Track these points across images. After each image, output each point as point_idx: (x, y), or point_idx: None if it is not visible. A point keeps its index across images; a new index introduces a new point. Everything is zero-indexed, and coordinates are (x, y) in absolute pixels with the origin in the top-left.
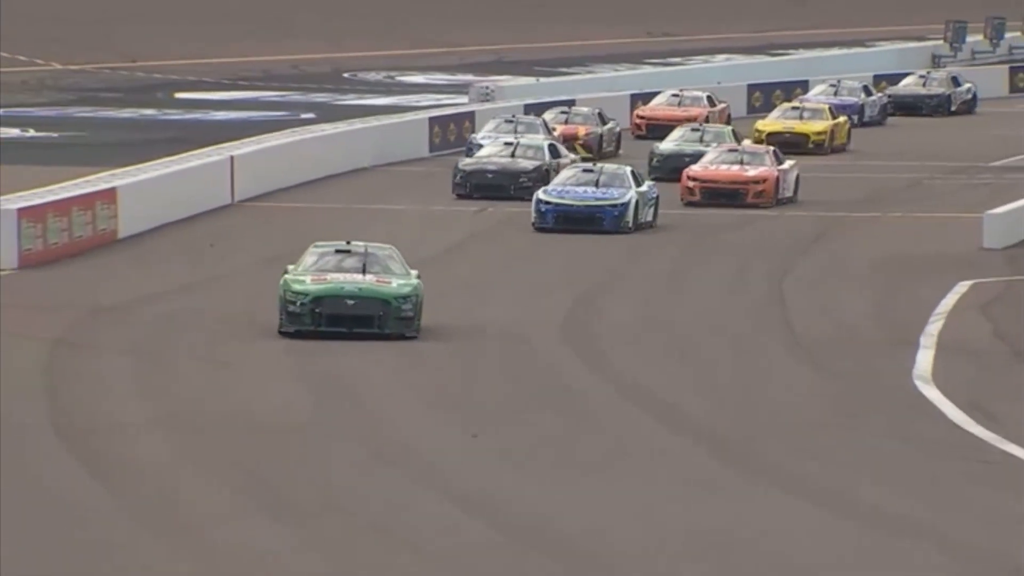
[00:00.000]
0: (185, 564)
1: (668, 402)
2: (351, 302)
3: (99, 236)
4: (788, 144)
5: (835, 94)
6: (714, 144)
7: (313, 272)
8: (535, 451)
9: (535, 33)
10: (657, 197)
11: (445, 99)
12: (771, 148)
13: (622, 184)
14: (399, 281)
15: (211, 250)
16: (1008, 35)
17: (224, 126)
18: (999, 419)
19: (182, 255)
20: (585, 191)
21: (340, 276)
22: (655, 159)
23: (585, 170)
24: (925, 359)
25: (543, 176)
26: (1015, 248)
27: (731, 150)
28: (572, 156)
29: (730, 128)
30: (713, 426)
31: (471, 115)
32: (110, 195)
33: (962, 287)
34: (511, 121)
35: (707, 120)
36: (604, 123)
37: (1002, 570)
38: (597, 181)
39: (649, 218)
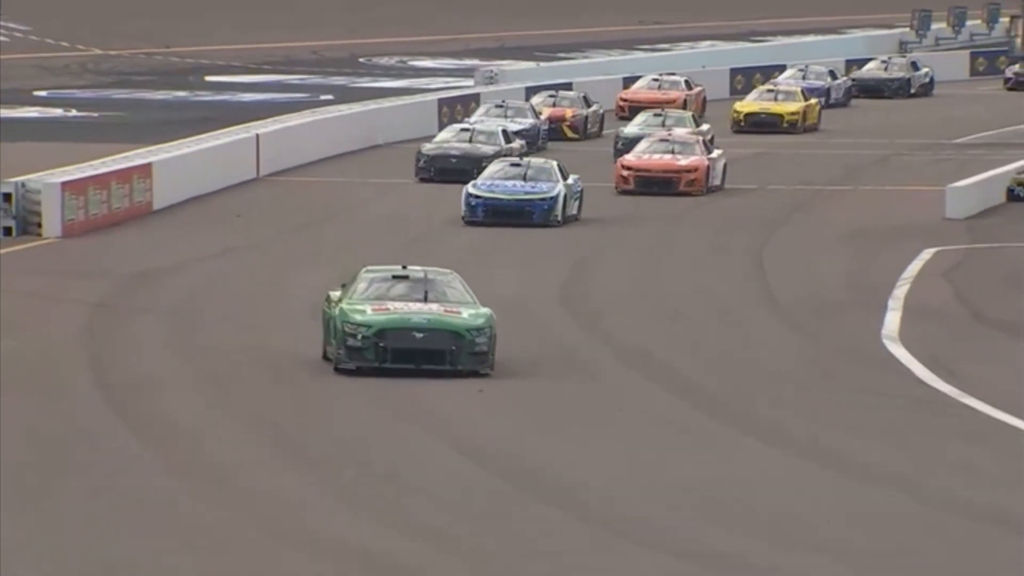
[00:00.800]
0: (213, 509)
1: (660, 361)
2: (420, 335)
3: (136, 208)
4: (764, 124)
5: (803, 78)
6: (676, 128)
7: (371, 301)
8: (539, 407)
9: (535, 21)
10: (582, 190)
11: (453, 82)
12: (701, 138)
13: (549, 178)
14: (469, 311)
15: (238, 220)
16: (969, 23)
17: (250, 107)
18: (960, 376)
19: (212, 225)
20: (514, 185)
21: (403, 305)
22: (620, 142)
23: (513, 164)
24: (893, 321)
25: (538, 135)
26: (975, 218)
27: (663, 140)
28: (519, 143)
29: (691, 113)
30: (701, 383)
31: (476, 96)
32: (146, 170)
33: (927, 254)
34: (501, 106)
35: (685, 103)
36: (588, 106)
37: (968, 515)
38: (525, 175)
39: (574, 211)
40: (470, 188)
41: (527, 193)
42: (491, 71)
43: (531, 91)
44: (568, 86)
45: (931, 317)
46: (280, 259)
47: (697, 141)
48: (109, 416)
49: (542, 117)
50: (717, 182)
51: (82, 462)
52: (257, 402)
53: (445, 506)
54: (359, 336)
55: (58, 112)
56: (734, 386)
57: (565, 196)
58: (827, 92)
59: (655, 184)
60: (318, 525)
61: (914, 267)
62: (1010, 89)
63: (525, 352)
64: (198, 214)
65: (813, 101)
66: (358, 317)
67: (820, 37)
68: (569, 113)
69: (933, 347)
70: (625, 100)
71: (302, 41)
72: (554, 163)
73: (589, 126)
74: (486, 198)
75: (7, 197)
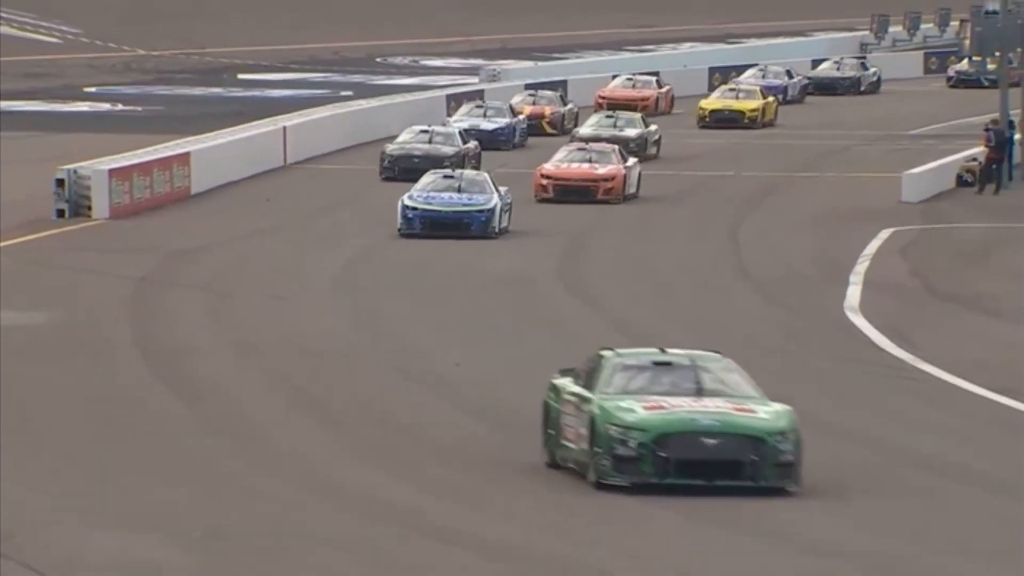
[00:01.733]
0: (244, 462)
1: (647, 328)
2: (711, 441)
3: (175, 192)
4: (727, 120)
5: (763, 77)
6: (627, 128)
7: (633, 395)
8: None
9: (534, 25)
10: (511, 203)
11: (459, 79)
12: (616, 147)
13: (483, 190)
14: (765, 409)
15: (267, 204)
16: (923, 26)
17: (277, 102)
18: (915, 343)
19: (243, 208)
20: (451, 197)
21: (679, 402)
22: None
23: (445, 176)
24: (854, 293)
25: (461, 161)
26: (928, 202)
27: (580, 148)
28: (473, 143)
29: (639, 115)
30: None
31: (481, 92)
32: (184, 158)
33: (884, 234)
34: (480, 106)
35: (657, 101)
36: (565, 104)
37: (916, 464)
38: (459, 187)
39: (504, 223)
40: (406, 200)
41: (465, 205)
42: (494, 69)
43: (529, 87)
44: (563, 83)
45: (888, 290)
46: (303, 239)
47: (614, 150)
48: (150, 378)
49: (521, 116)
50: (632, 190)
51: (124, 419)
52: (283, 366)
53: (446, 451)
54: (632, 443)
55: (106, 107)
56: (713, 344)
57: (500, 208)
58: (784, 90)
59: (573, 192)
60: (341, 477)
61: (873, 245)
62: (952, 87)
63: (524, 326)
64: (231, 198)
65: (771, 99)
66: (627, 417)
67: (788, 39)
68: (548, 111)
69: (890, 317)
70: (603, 97)
71: (324, 43)
72: (487, 175)
73: (565, 122)
74: (423, 209)
75: (60, 183)
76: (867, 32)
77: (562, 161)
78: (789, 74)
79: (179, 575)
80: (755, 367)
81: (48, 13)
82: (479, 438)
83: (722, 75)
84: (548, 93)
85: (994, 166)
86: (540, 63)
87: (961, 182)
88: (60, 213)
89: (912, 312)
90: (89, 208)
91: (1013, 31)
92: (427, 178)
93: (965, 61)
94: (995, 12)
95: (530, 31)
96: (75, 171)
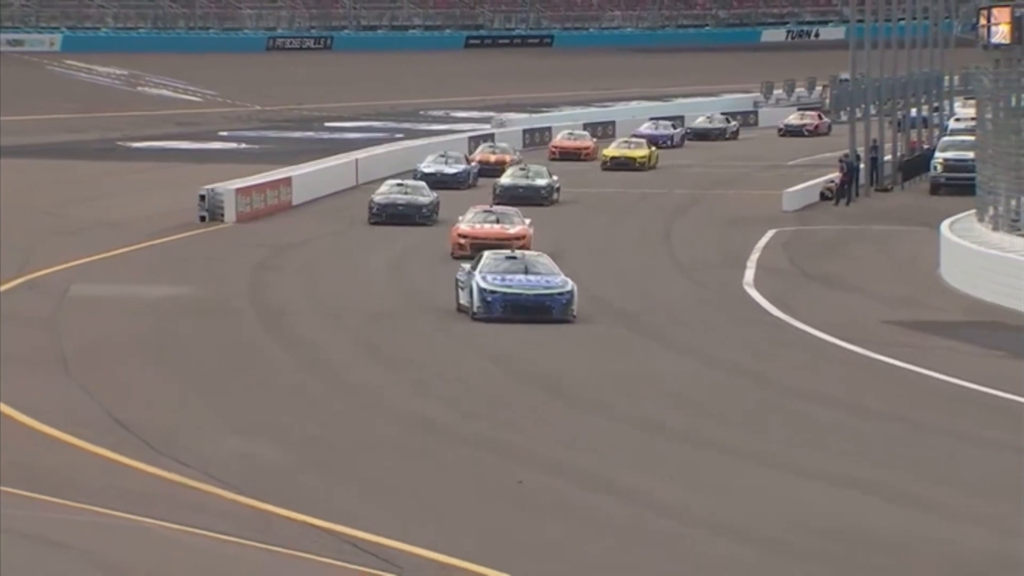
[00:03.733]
0: (327, 391)
1: (604, 299)
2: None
3: (281, 204)
4: (623, 164)
5: (656, 128)
6: (537, 179)
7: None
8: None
9: (529, 88)
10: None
11: (477, 126)
12: (517, 210)
13: (552, 271)
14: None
15: (343, 213)
16: (797, 90)
17: (352, 142)
18: (792, 308)
19: (327, 215)
20: (528, 279)
21: (516, 277)
22: (497, 189)
23: (508, 257)
24: (750, 274)
25: (435, 208)
26: (800, 211)
27: (486, 211)
28: (435, 194)
29: (546, 168)
30: (627, 309)
31: (492, 135)
32: (287, 181)
33: (770, 233)
34: (443, 156)
35: (593, 148)
36: (515, 152)
37: (799, 397)
38: (525, 268)
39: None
40: (480, 282)
41: (546, 288)
42: (501, 119)
43: (526, 132)
44: (548, 128)
45: (773, 272)
46: (367, 238)
47: (516, 212)
48: (261, 332)
49: (474, 162)
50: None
51: (244, 361)
52: (354, 325)
53: (473, 391)
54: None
55: (233, 145)
56: (650, 311)
57: (576, 291)
58: (671, 138)
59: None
60: (394, 402)
61: (763, 241)
62: (782, 135)
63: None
64: (320, 209)
65: (654, 149)
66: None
67: (704, 98)
68: (508, 158)
69: (774, 290)
70: (556, 147)
71: (385, 100)
72: (546, 257)
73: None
74: (503, 293)
75: (202, 198)
76: (758, 93)
77: (474, 222)
78: (674, 126)
79: (283, 468)
80: (679, 324)
81: (194, 80)
82: (491, 375)
83: (657, 122)
84: (503, 144)
85: (846, 186)
86: (533, 114)
87: (823, 197)
88: (202, 219)
89: (789, 287)
90: (222, 215)
91: (859, 94)
92: (489, 259)
93: (792, 116)
94: (847, 80)
95: (526, 92)
96: (212, 190)
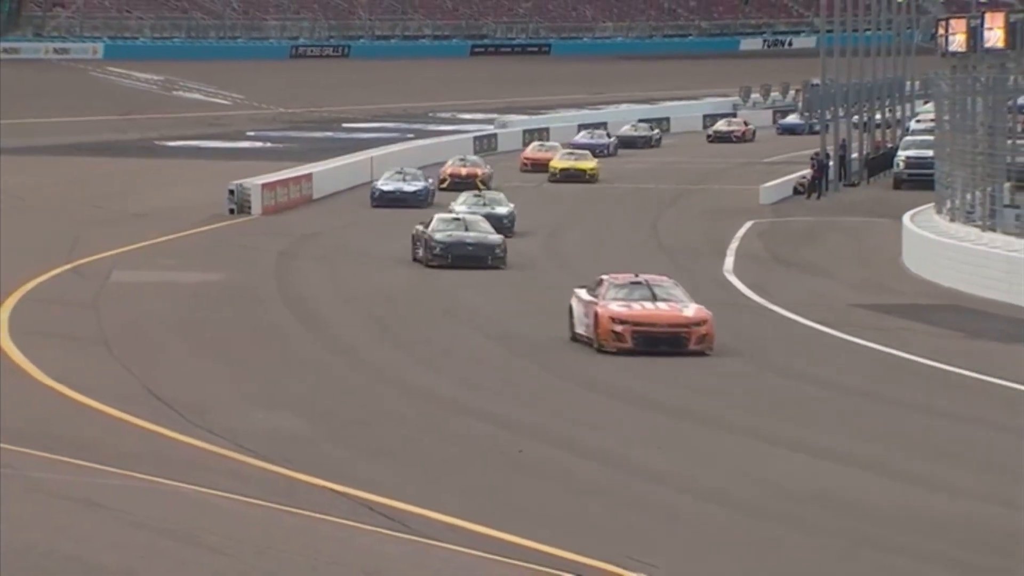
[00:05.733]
0: (345, 367)
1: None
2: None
3: (303, 198)
4: (572, 176)
5: (591, 138)
6: (495, 207)
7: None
8: (535, 300)
9: (529, 92)
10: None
11: (481, 127)
12: (674, 281)
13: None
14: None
15: (359, 206)
16: (772, 94)
17: (367, 141)
18: (768, 292)
19: (345, 208)
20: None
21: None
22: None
23: (633, 283)
24: (729, 261)
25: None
26: (775, 204)
27: (632, 282)
28: (431, 180)
29: (503, 194)
30: None
31: (495, 136)
32: (308, 177)
33: (748, 224)
34: (400, 172)
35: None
36: (486, 166)
37: (773, 372)
38: (653, 295)
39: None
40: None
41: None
42: (504, 120)
43: (526, 133)
44: (546, 129)
45: (751, 259)
46: (381, 228)
47: (676, 284)
48: (286, 315)
49: (444, 174)
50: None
51: (270, 340)
52: (369, 307)
53: (475, 366)
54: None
55: (259, 144)
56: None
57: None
58: (608, 146)
59: (662, 342)
60: (404, 377)
61: (741, 231)
62: (711, 141)
63: (533, 274)
64: (338, 202)
65: (597, 161)
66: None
67: (687, 102)
68: (479, 172)
69: (752, 276)
70: (527, 159)
71: (397, 103)
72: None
73: (490, 181)
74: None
75: (231, 192)
76: (737, 97)
77: (622, 298)
78: (608, 135)
79: (305, 438)
80: None
81: (224, 85)
82: (497, 354)
83: (647, 125)
84: (473, 157)
85: (817, 181)
86: (532, 116)
87: (796, 191)
88: (231, 211)
89: (766, 273)
90: (249, 208)
91: (829, 97)
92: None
93: (720, 123)
94: (818, 84)
95: (526, 96)
96: (240, 184)
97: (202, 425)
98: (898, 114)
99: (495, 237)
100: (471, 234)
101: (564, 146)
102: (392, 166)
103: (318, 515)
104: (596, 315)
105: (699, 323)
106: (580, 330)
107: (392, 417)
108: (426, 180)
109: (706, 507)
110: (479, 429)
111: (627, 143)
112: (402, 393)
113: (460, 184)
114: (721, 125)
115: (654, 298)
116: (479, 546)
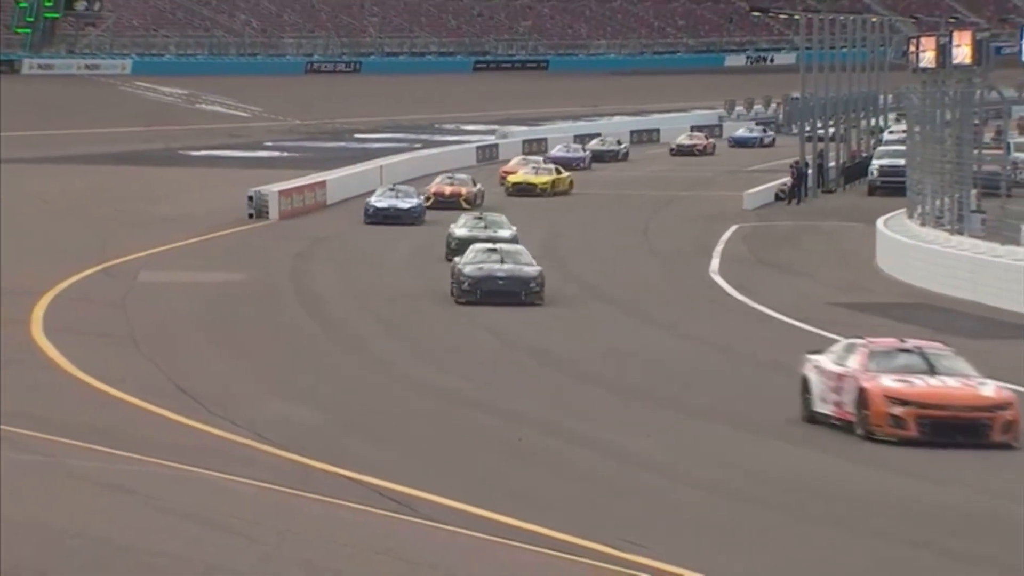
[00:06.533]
0: (355, 362)
1: (590, 283)
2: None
3: (318, 204)
4: (525, 190)
5: (567, 151)
6: (498, 230)
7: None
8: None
9: (527, 105)
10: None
11: (484, 138)
12: (954, 350)
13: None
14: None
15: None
16: (756, 106)
17: (377, 151)
18: (751, 291)
19: (356, 213)
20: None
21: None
22: (453, 242)
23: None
24: (715, 262)
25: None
26: (758, 209)
27: (901, 348)
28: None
29: (504, 216)
30: (612, 292)
31: (496, 146)
32: (323, 184)
33: (733, 228)
34: (393, 189)
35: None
36: (475, 185)
37: (755, 365)
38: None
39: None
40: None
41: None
42: (504, 131)
43: (525, 143)
44: (544, 140)
45: (736, 261)
46: (391, 232)
47: (950, 351)
48: (301, 314)
49: (429, 193)
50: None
51: (286, 336)
52: (377, 306)
53: (477, 362)
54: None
55: (276, 153)
56: (629, 292)
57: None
58: (583, 159)
59: (959, 432)
60: (407, 370)
61: (727, 235)
62: (673, 155)
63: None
64: (349, 207)
65: (566, 175)
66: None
67: (675, 114)
68: (464, 190)
69: (737, 276)
70: (505, 172)
71: (404, 116)
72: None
73: (476, 200)
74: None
75: (250, 198)
76: (723, 110)
77: (901, 376)
78: (582, 148)
79: (318, 428)
80: (655, 305)
81: (243, 99)
82: (494, 349)
83: (638, 135)
84: (461, 176)
85: (796, 188)
86: (531, 127)
87: (777, 198)
88: (250, 216)
89: (749, 273)
90: (267, 213)
91: (808, 110)
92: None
93: (682, 136)
94: (798, 98)
95: (525, 109)
96: (259, 191)
97: (223, 416)
98: (872, 125)
99: (531, 269)
100: (504, 267)
101: (546, 160)
102: (401, 174)
103: (332, 500)
104: (864, 392)
105: (1003, 406)
106: (826, 409)
107: (399, 409)
108: (419, 196)
109: (692, 493)
110: (481, 420)
111: (596, 157)
112: (408, 386)
113: (444, 203)
114: (683, 139)
115: (932, 371)
116: (481, 528)
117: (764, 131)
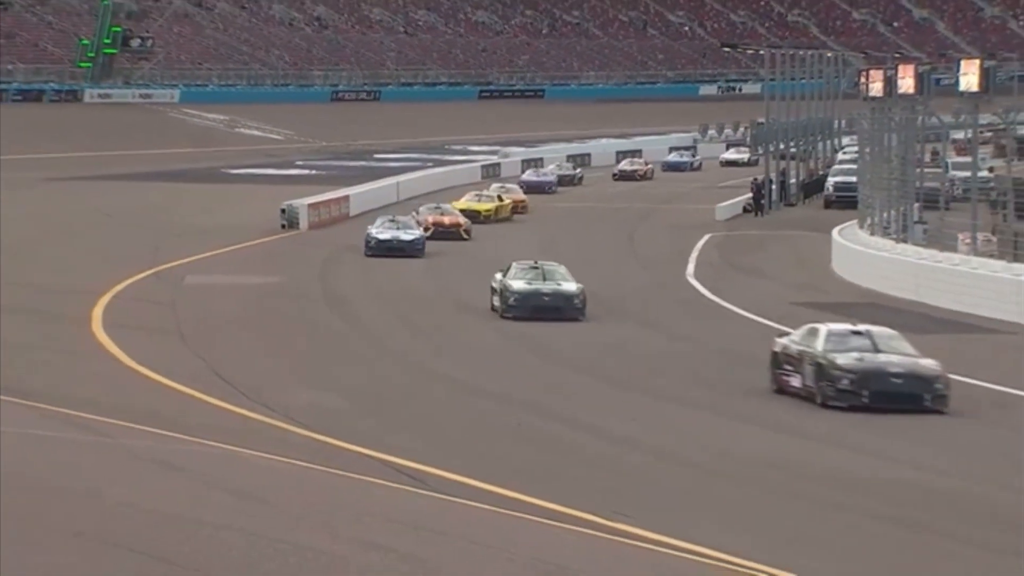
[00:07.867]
0: (375, 356)
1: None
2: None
3: (342, 216)
4: (469, 216)
5: (537, 175)
6: (562, 282)
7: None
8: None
9: (526, 128)
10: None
11: (487, 157)
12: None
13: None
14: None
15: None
16: (726, 130)
17: (394, 169)
18: (722, 292)
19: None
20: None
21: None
22: (511, 297)
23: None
24: (691, 267)
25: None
26: (729, 220)
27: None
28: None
29: (563, 267)
30: (601, 293)
31: (498, 165)
32: (347, 198)
33: (706, 236)
34: (393, 220)
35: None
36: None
37: (728, 357)
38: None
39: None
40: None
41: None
42: (506, 151)
43: (525, 163)
44: (540, 159)
45: (709, 265)
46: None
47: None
48: (328, 311)
49: (429, 221)
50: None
51: (314, 334)
52: (398, 306)
53: (483, 355)
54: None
55: (306, 171)
56: (617, 294)
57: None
58: (551, 183)
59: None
60: (424, 362)
61: (701, 242)
62: (616, 180)
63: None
64: (370, 218)
65: (507, 201)
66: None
67: (655, 136)
68: (462, 220)
69: (710, 280)
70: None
71: (418, 138)
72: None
73: (463, 231)
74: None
75: (283, 210)
76: (697, 133)
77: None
78: (550, 173)
79: (343, 412)
80: (636, 302)
81: (277, 123)
82: (498, 344)
83: (622, 156)
84: (447, 206)
85: (759, 201)
86: (529, 148)
87: (745, 210)
88: (283, 227)
89: (721, 277)
90: (298, 224)
91: (772, 133)
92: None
93: (624, 162)
94: (763, 123)
95: (524, 132)
96: (291, 204)
97: (259, 401)
98: (828, 147)
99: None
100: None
101: (519, 184)
102: (414, 187)
103: (354, 475)
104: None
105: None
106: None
107: (414, 395)
108: (418, 227)
109: (674, 469)
110: (485, 405)
111: (560, 181)
112: (421, 375)
113: (444, 234)
114: (624, 165)
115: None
116: (486, 500)
117: (693, 156)
